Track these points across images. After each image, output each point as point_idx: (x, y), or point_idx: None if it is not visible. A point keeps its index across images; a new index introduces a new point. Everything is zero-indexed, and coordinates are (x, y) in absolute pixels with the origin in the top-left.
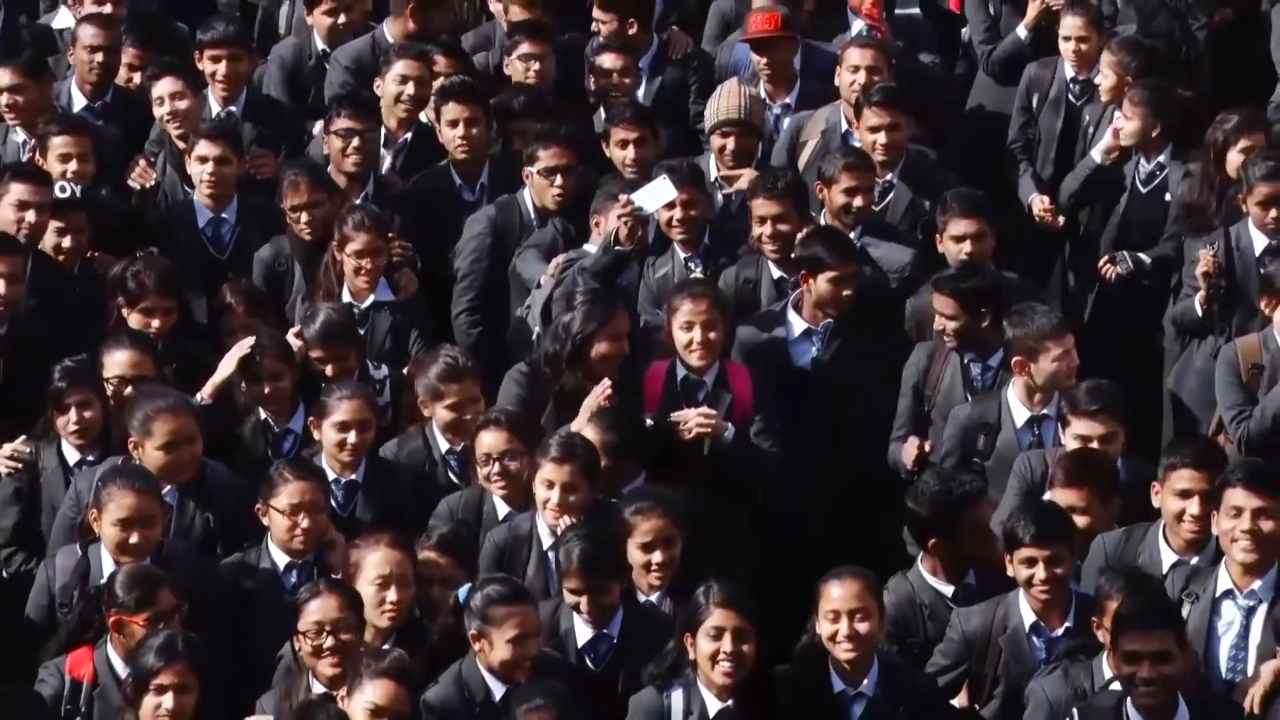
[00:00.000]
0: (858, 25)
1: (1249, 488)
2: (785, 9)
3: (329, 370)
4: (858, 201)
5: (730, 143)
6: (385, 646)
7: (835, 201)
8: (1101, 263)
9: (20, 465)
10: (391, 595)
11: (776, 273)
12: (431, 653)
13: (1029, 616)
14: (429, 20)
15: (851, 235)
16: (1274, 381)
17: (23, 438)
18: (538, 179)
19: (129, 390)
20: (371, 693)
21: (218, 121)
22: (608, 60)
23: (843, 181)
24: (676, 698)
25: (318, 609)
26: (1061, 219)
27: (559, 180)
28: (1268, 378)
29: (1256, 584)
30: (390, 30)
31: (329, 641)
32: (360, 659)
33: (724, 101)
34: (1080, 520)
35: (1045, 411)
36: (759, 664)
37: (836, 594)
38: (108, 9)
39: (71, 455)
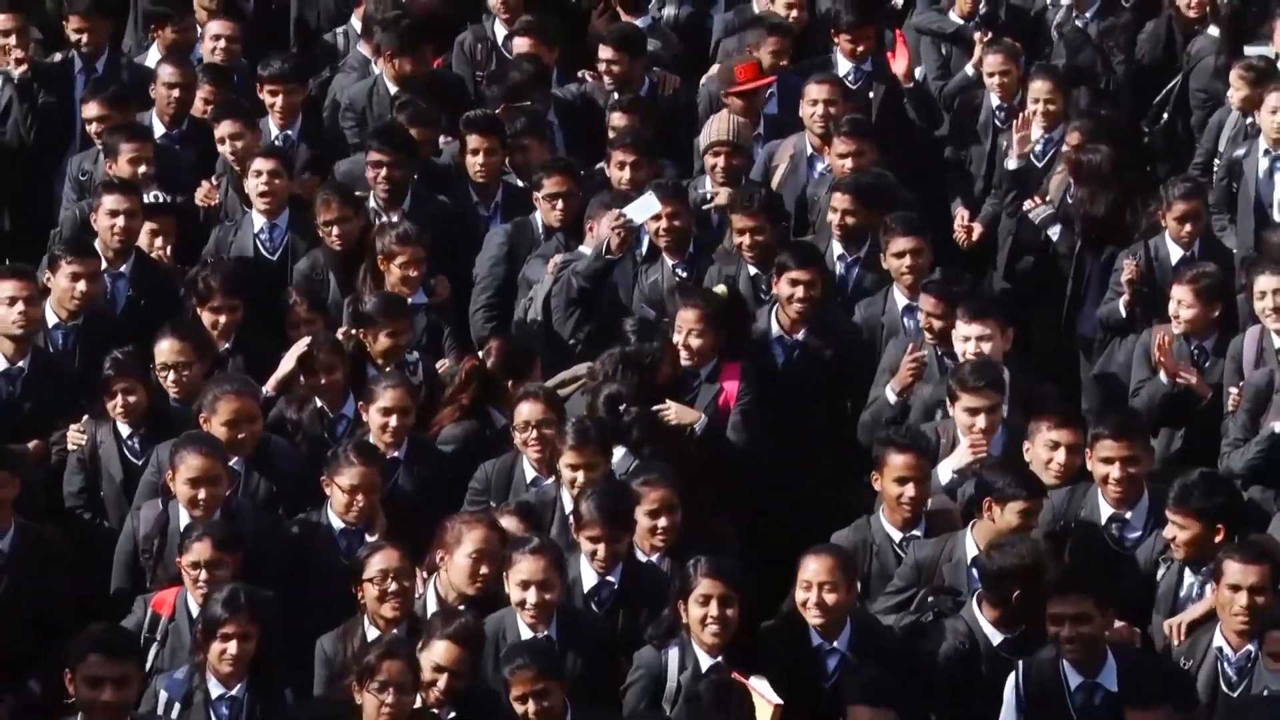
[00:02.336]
0: (845, 66)
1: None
2: (758, 56)
3: (388, 339)
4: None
5: (721, 160)
6: (458, 610)
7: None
8: (1029, 204)
9: (82, 441)
10: (485, 570)
11: (753, 270)
12: None
13: (973, 550)
14: (409, 64)
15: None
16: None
17: (85, 417)
18: (543, 202)
19: (173, 374)
20: (436, 652)
21: (271, 144)
22: (616, 119)
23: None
24: (672, 655)
25: (381, 559)
26: (976, 235)
27: (560, 204)
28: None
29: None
30: (386, 75)
31: (392, 586)
32: (434, 621)
33: (716, 125)
34: (1078, 459)
35: None
36: (743, 625)
37: (811, 567)
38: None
39: (124, 430)
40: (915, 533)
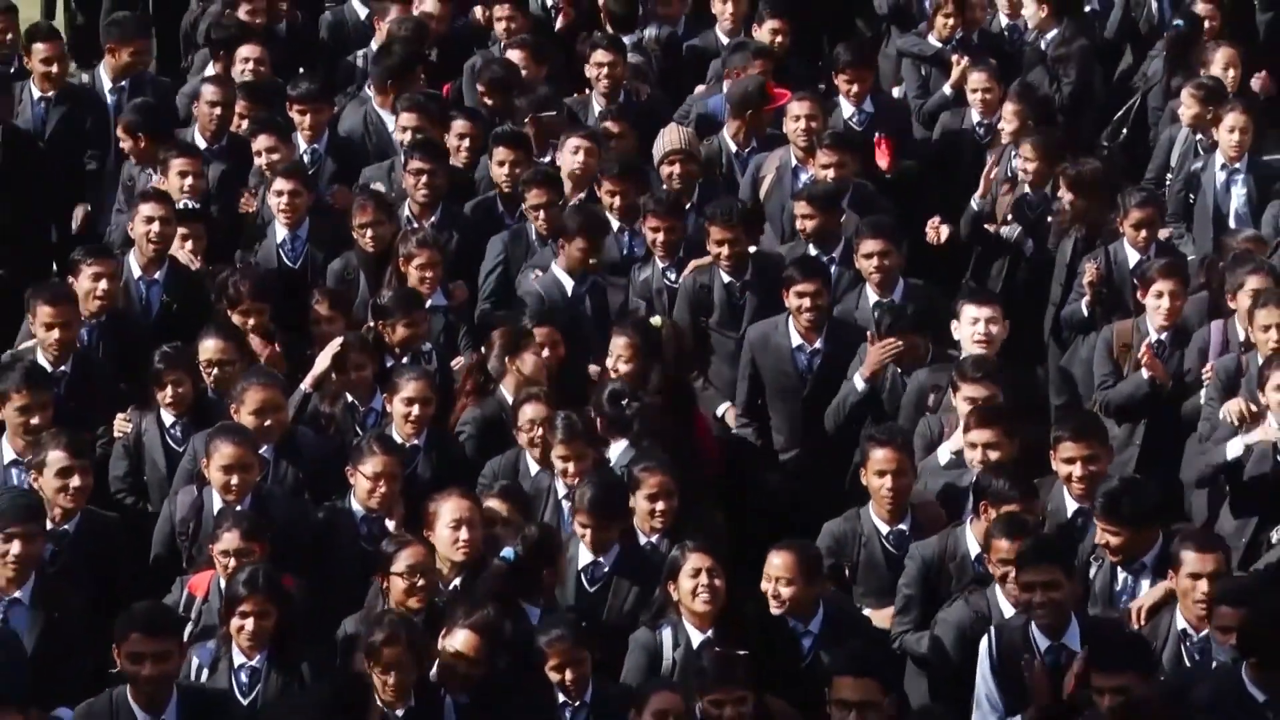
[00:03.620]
0: (849, 109)
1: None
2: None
3: (405, 330)
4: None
5: (677, 168)
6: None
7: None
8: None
9: (128, 429)
10: (464, 534)
11: (726, 279)
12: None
13: (974, 548)
14: (402, 88)
15: None
16: (1137, 366)
17: (131, 407)
18: (530, 213)
19: (216, 371)
20: (456, 640)
21: (293, 163)
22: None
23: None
24: (666, 635)
25: (409, 555)
26: (945, 235)
27: (541, 215)
28: (1132, 360)
29: (1146, 556)
30: (376, 102)
31: (420, 582)
32: (457, 610)
33: (668, 137)
34: (993, 454)
35: None
36: (730, 601)
37: (775, 563)
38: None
39: (168, 419)
40: (901, 526)
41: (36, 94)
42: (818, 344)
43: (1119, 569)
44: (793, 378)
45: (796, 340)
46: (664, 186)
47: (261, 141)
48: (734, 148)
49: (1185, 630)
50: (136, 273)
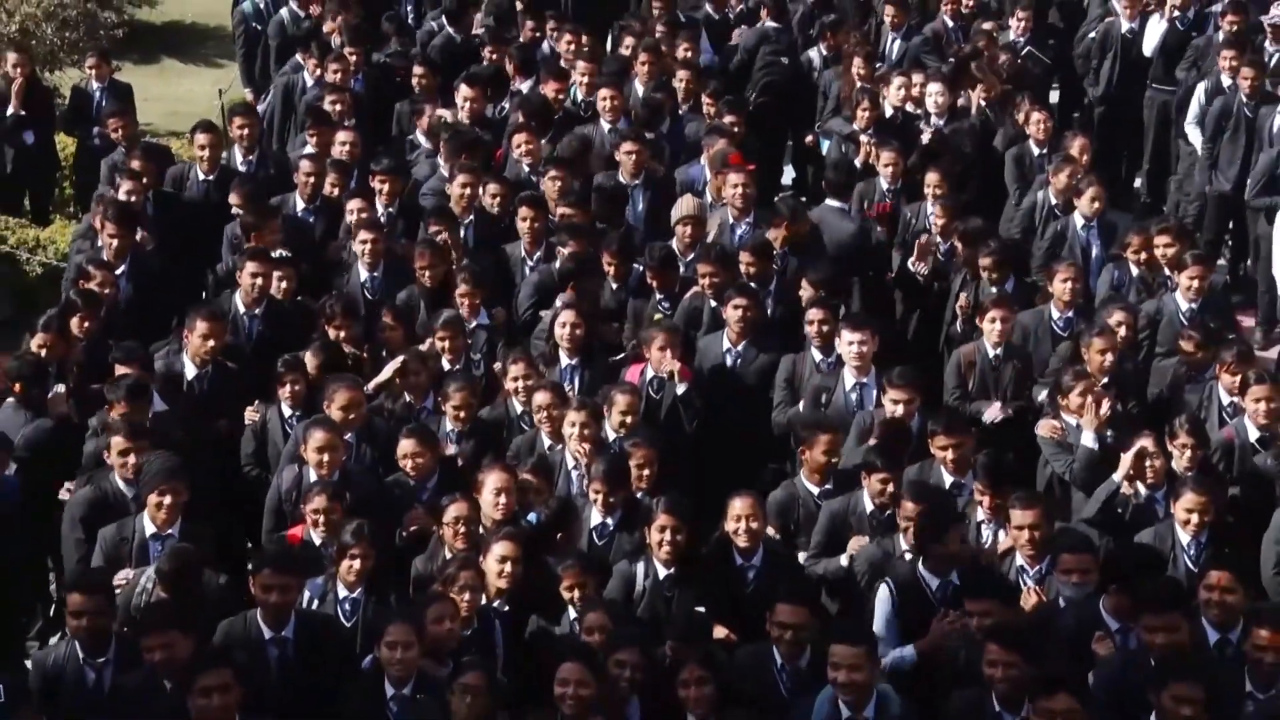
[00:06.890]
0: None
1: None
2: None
3: (447, 345)
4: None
5: (688, 229)
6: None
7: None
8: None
9: (255, 418)
10: (502, 499)
11: (713, 303)
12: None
13: (869, 506)
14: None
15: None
16: (981, 381)
17: (257, 402)
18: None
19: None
20: (498, 549)
21: (374, 220)
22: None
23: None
24: (640, 567)
25: (455, 509)
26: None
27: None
28: (978, 374)
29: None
30: (443, 164)
31: (462, 529)
32: (490, 533)
33: (683, 204)
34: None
35: (865, 380)
36: (691, 546)
37: (737, 505)
38: (346, 137)
39: (286, 411)
40: (828, 486)
41: (200, 175)
42: (740, 348)
43: (993, 529)
44: (726, 373)
45: (727, 345)
46: (673, 240)
47: (354, 204)
48: (710, 198)
49: (1023, 566)
50: (241, 309)
